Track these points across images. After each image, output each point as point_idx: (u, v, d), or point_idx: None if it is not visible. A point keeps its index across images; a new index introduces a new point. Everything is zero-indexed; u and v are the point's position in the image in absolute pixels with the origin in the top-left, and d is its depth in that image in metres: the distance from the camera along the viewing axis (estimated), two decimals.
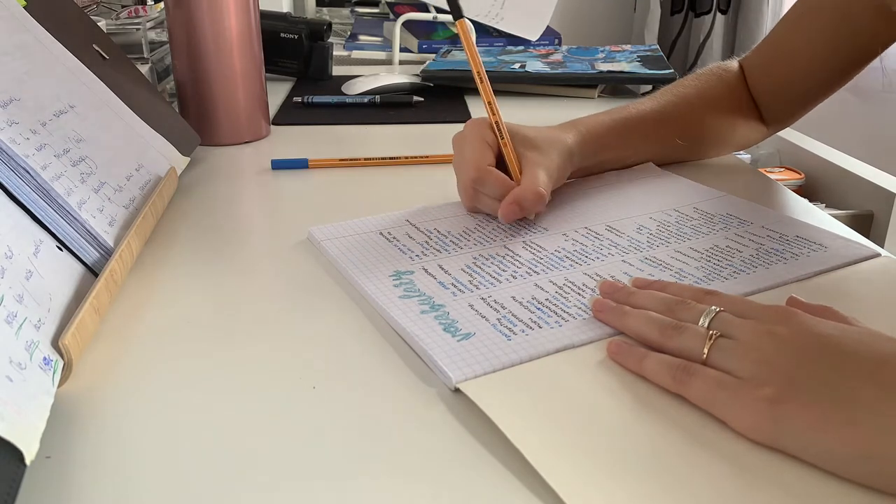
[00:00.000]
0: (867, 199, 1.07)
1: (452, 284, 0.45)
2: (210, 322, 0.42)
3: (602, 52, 1.09)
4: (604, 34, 2.22)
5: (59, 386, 0.35)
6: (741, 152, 1.03)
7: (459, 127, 0.58)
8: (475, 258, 0.49)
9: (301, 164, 0.69)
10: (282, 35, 1.04)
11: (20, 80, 0.48)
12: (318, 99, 0.92)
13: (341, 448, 0.32)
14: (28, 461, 0.28)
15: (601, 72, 0.97)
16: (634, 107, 0.66)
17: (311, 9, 1.71)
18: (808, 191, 1.20)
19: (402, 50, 1.24)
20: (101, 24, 0.80)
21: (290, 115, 0.88)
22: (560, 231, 0.53)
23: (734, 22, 2.08)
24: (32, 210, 0.42)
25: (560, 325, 0.40)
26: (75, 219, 0.45)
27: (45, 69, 0.52)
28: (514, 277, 0.46)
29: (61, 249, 0.43)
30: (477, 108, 0.91)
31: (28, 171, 0.43)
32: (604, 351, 0.38)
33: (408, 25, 1.27)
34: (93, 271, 0.44)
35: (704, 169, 0.67)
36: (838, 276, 0.47)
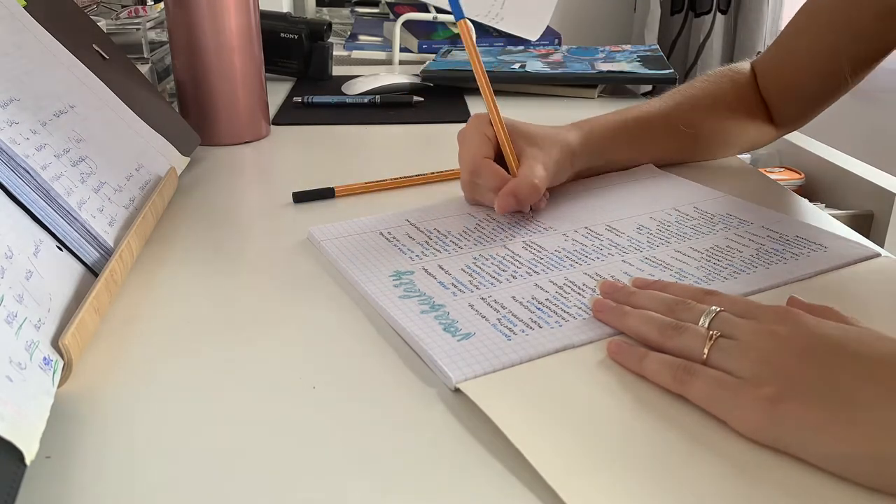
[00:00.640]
0: (867, 199, 1.07)
1: (452, 284, 0.45)
2: (210, 322, 0.42)
3: (602, 52, 1.09)
4: (604, 34, 2.22)
5: (59, 386, 0.35)
6: None
7: (459, 127, 0.59)
8: (475, 258, 0.49)
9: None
10: (282, 35, 1.04)
11: (20, 80, 0.48)
12: (318, 99, 0.92)
13: (341, 448, 0.32)
14: (28, 461, 0.28)
15: (601, 72, 0.97)
16: (643, 107, 0.66)
17: (311, 9, 1.71)
18: (808, 191, 1.20)
19: (402, 50, 1.24)
20: (101, 24, 0.80)
21: (290, 115, 0.88)
22: (560, 231, 0.53)
23: (734, 22, 2.08)
24: (32, 210, 0.42)
25: (560, 325, 0.40)
26: (75, 219, 0.45)
27: (45, 69, 0.52)
28: (514, 277, 0.46)
29: (61, 249, 0.43)
30: (477, 109, 0.91)
31: (28, 171, 0.43)
32: (604, 351, 0.38)
33: (408, 25, 1.27)
34: (93, 271, 0.44)
35: (704, 169, 0.67)
36: (838, 276, 0.47)
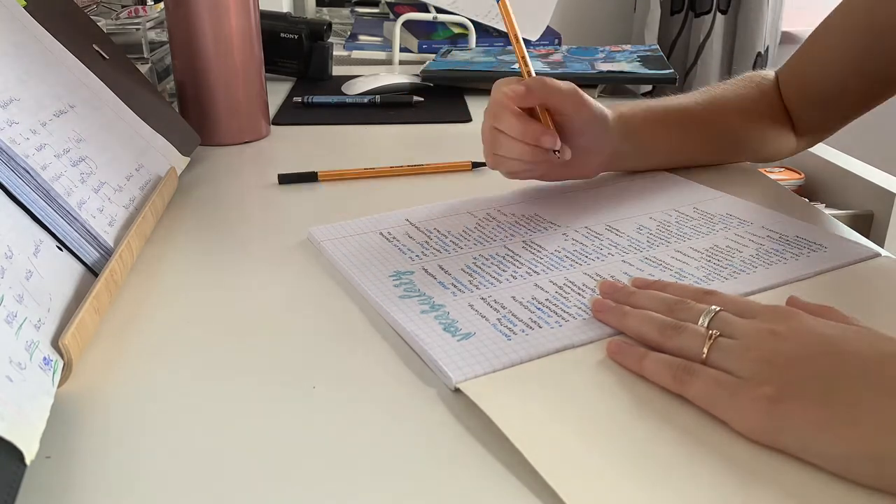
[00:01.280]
0: (867, 199, 1.07)
1: (452, 284, 0.45)
2: (210, 322, 0.42)
3: (602, 52, 1.09)
4: (604, 34, 2.22)
5: (59, 386, 0.35)
6: None
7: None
8: (475, 258, 0.49)
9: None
10: (282, 35, 1.04)
11: (20, 80, 0.48)
12: (318, 99, 0.92)
13: (341, 448, 0.32)
14: (28, 461, 0.28)
15: (601, 72, 0.97)
16: (673, 100, 0.65)
17: (311, 9, 1.71)
18: (808, 191, 1.20)
19: (402, 50, 1.24)
20: (101, 24, 0.80)
21: (290, 115, 0.88)
22: (560, 231, 0.53)
23: (734, 22, 2.08)
24: (32, 210, 0.42)
25: (560, 325, 0.40)
26: (75, 219, 0.45)
27: (45, 69, 0.52)
28: (514, 277, 0.46)
29: (61, 249, 0.43)
30: (477, 109, 0.91)
31: (28, 171, 0.43)
32: (604, 351, 0.38)
33: (408, 25, 1.27)
34: (93, 271, 0.44)
35: (704, 169, 0.67)
36: (838, 276, 0.47)
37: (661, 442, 0.32)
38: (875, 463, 0.29)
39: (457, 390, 0.35)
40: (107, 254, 0.46)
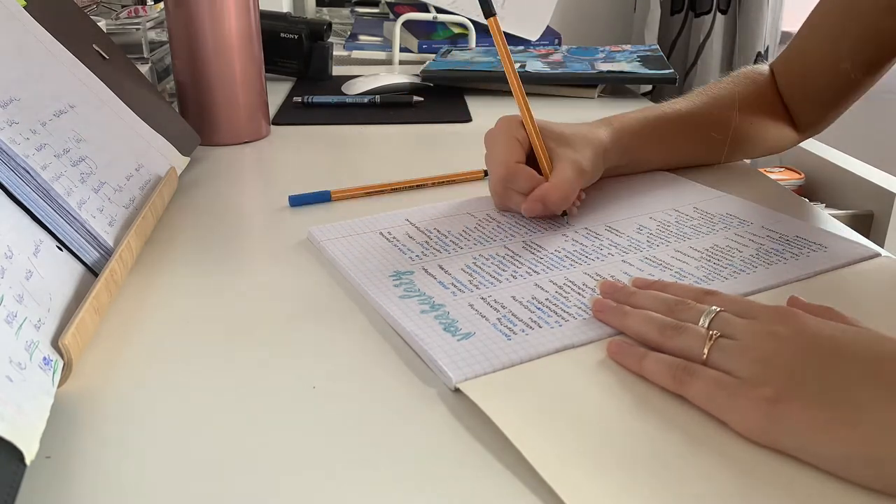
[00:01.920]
0: (867, 199, 1.07)
1: (452, 284, 0.45)
2: (210, 322, 0.42)
3: (602, 52, 1.09)
4: (604, 34, 2.22)
5: (59, 386, 0.35)
6: None
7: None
8: (475, 258, 0.49)
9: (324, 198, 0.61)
10: (282, 35, 1.04)
11: (20, 80, 0.48)
12: (318, 99, 0.92)
13: (341, 448, 0.32)
14: (28, 461, 0.28)
15: (601, 72, 0.97)
16: (669, 106, 0.65)
17: (311, 9, 1.71)
18: (808, 191, 1.20)
19: (402, 50, 1.24)
20: (101, 24, 0.80)
21: (290, 115, 0.88)
22: (560, 231, 0.53)
23: (734, 22, 2.08)
24: (32, 210, 0.42)
25: (560, 325, 0.40)
26: (75, 219, 0.45)
27: (44, 69, 0.52)
28: (514, 277, 0.46)
29: (61, 249, 0.43)
30: (477, 109, 0.91)
31: (28, 171, 0.43)
32: (604, 351, 0.38)
33: (408, 25, 1.27)
34: (93, 271, 0.44)
35: (704, 169, 0.67)
36: (838, 276, 0.47)
37: (661, 442, 0.32)
38: (874, 464, 0.29)
39: (457, 390, 0.35)
40: (107, 254, 0.46)
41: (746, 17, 2.05)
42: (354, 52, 1.25)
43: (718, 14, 2.06)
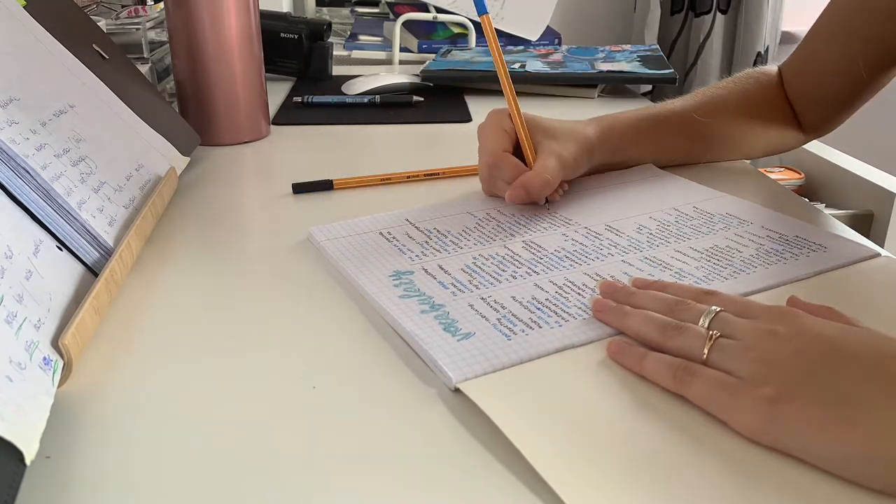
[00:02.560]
0: (867, 199, 1.07)
1: (452, 284, 0.45)
2: (210, 322, 0.42)
3: (602, 52, 1.09)
4: (604, 34, 2.22)
5: (59, 386, 0.35)
6: None
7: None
8: (475, 258, 0.49)
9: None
10: (282, 35, 1.04)
11: (20, 80, 0.48)
12: (317, 99, 0.92)
13: (341, 448, 0.32)
14: (28, 461, 0.28)
15: (601, 72, 0.97)
16: (665, 105, 0.66)
17: (311, 9, 1.71)
18: (808, 191, 1.20)
19: (402, 50, 1.24)
20: (101, 24, 0.80)
21: (290, 115, 0.88)
22: (560, 231, 0.53)
23: (734, 22, 2.08)
24: (32, 210, 0.42)
25: (560, 325, 0.40)
26: (75, 219, 0.45)
27: (45, 69, 0.52)
28: (514, 277, 0.46)
29: (61, 249, 0.43)
30: (477, 108, 0.91)
31: (28, 171, 0.43)
32: (604, 351, 0.38)
33: (408, 25, 1.27)
34: (93, 271, 0.44)
35: (704, 169, 0.67)
36: (838, 276, 0.47)
37: (661, 442, 0.32)
38: (875, 464, 0.29)
39: (457, 390, 0.35)
40: (107, 254, 0.46)
41: (746, 17, 2.05)
42: (354, 52, 1.25)
43: (718, 14, 2.06)
